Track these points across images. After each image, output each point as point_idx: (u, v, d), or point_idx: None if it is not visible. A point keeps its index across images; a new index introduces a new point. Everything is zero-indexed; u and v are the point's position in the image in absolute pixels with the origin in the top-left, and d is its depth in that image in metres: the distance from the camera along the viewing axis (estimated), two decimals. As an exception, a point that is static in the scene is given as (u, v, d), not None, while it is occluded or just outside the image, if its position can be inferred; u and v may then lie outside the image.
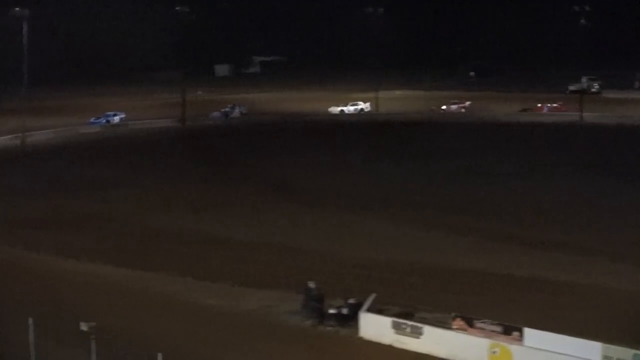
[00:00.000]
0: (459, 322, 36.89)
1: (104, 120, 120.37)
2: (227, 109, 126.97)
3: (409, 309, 39.26)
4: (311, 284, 41.18)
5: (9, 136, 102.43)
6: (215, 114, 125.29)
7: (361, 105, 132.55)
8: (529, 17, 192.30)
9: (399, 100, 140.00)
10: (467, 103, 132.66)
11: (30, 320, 26.46)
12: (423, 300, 41.16)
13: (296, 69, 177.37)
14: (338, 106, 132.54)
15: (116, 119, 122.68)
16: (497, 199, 69.23)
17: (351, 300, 40.19)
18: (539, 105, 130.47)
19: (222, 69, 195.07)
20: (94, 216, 64.55)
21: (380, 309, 39.33)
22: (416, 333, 37.26)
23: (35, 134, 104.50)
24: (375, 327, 38.63)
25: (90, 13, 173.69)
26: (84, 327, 24.65)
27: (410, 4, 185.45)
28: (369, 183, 77.96)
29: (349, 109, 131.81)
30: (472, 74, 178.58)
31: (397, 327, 37.84)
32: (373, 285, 42.50)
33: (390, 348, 37.55)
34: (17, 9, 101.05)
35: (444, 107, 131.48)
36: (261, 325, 40.80)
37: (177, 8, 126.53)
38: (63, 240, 56.41)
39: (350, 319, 39.46)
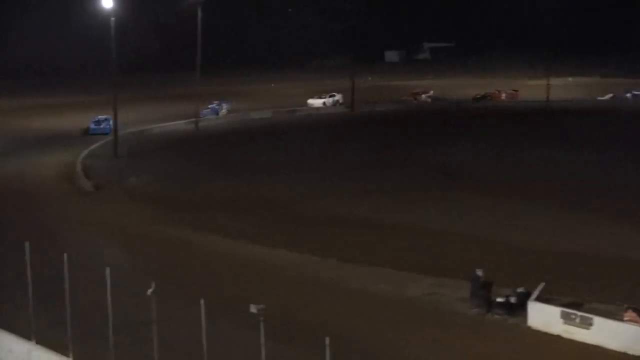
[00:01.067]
0: (631, 314, 36.34)
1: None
2: (215, 105, 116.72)
3: (578, 299, 38.79)
4: (479, 272, 41.05)
5: (184, 121, 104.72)
6: (205, 110, 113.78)
7: (336, 96, 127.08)
8: None
9: (565, 88, 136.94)
10: (431, 92, 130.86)
11: (202, 301, 26.96)
12: (592, 290, 40.64)
13: (466, 56, 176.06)
14: (320, 98, 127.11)
15: None
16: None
17: (520, 289, 40.04)
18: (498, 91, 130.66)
19: (392, 55, 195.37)
20: (263, 200, 65.42)
21: (549, 298, 39.00)
22: (586, 324, 36.76)
23: (210, 121, 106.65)
24: (543, 316, 38.32)
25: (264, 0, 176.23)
26: (253, 309, 25.00)
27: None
28: (531, 170, 77.17)
29: (328, 100, 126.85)
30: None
31: (566, 317, 37.43)
32: (541, 274, 42.05)
33: (558, 338, 37.18)
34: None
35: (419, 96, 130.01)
36: (428, 312, 40.88)
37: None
38: (235, 224, 57.52)
39: (519, 308, 39.32)
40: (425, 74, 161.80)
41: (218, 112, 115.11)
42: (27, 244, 32.57)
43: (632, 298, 38.26)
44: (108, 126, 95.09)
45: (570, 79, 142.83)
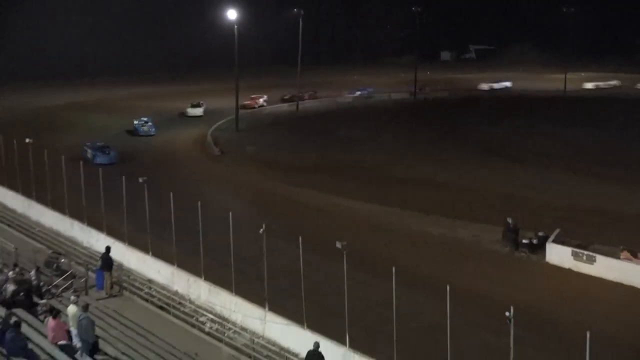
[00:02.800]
0: (626, 254, 36.50)
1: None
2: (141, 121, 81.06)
3: (585, 242, 38.68)
4: (509, 220, 41.43)
5: (287, 104, 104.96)
6: (140, 128, 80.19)
7: (203, 106, 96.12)
8: None
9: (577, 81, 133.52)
10: (266, 97, 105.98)
11: (300, 239, 27.33)
12: (596, 235, 40.36)
13: (505, 56, 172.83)
14: (198, 107, 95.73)
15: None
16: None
17: (540, 233, 40.35)
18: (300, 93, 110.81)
19: (445, 55, 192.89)
20: (348, 165, 65.72)
21: (563, 240, 39.08)
22: (590, 260, 36.93)
23: (306, 103, 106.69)
24: (558, 254, 38.58)
25: (351, 10, 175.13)
26: (338, 245, 25.21)
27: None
28: (551, 144, 76.16)
29: (196, 111, 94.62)
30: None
31: (575, 255, 37.62)
32: (557, 222, 41.98)
33: (569, 271, 37.52)
34: (295, 10, 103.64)
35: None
36: (471, 250, 41.22)
37: (412, 8, 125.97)
38: (326, 182, 57.73)
39: (539, 248, 39.66)
40: (470, 70, 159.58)
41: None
42: (171, 194, 33.32)
43: (627, 241, 38.00)
44: (114, 153, 65.14)
45: (582, 74, 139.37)
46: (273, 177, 60.55)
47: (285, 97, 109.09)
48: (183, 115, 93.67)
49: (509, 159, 68.41)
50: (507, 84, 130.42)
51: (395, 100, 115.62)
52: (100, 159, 61.93)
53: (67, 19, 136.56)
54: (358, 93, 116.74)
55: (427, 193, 54.54)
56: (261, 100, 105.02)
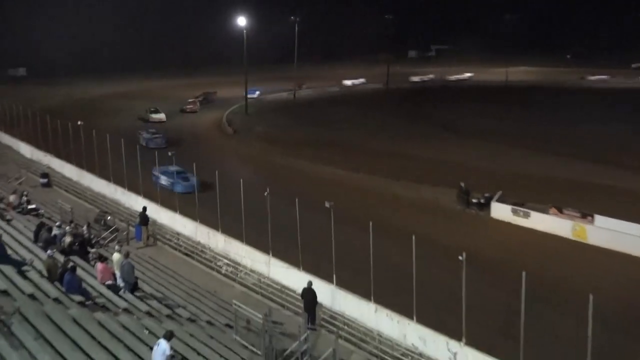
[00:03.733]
0: (554, 210, 36.79)
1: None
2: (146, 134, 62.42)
3: (521, 201, 38.90)
4: (462, 184, 41.60)
5: (286, 92, 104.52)
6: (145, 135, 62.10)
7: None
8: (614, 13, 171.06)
9: (516, 74, 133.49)
10: (197, 103, 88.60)
11: (297, 200, 27.39)
12: (531, 195, 40.52)
13: (460, 54, 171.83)
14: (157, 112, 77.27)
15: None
16: (585, 136, 66.36)
17: (487, 194, 40.59)
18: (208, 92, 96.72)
19: (411, 53, 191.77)
20: (335, 141, 65.47)
21: (504, 200, 39.31)
22: (526, 216, 37.32)
23: (301, 91, 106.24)
24: (500, 211, 38.88)
25: (337, 16, 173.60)
26: (327, 204, 25.28)
27: (537, 7, 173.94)
28: (501, 122, 76.17)
29: (159, 116, 76.47)
30: (568, 56, 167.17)
31: (514, 212, 37.96)
32: (500, 186, 42.12)
33: (509, 224, 37.85)
34: (292, 17, 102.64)
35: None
36: (432, 208, 41.36)
37: (386, 16, 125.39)
38: (318, 155, 57.63)
39: (486, 206, 39.89)
40: (431, 65, 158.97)
41: None
42: (194, 165, 33.35)
43: (554, 200, 38.26)
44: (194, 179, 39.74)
45: (522, 67, 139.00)
46: (275, 151, 60.42)
47: (200, 99, 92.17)
48: (144, 120, 74.92)
49: (464, 136, 68.17)
50: (363, 80, 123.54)
51: (372, 89, 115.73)
52: (181, 187, 42.03)
53: (108, 21, 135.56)
54: (257, 93, 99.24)
55: (398, 163, 54.44)
56: (198, 103, 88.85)
